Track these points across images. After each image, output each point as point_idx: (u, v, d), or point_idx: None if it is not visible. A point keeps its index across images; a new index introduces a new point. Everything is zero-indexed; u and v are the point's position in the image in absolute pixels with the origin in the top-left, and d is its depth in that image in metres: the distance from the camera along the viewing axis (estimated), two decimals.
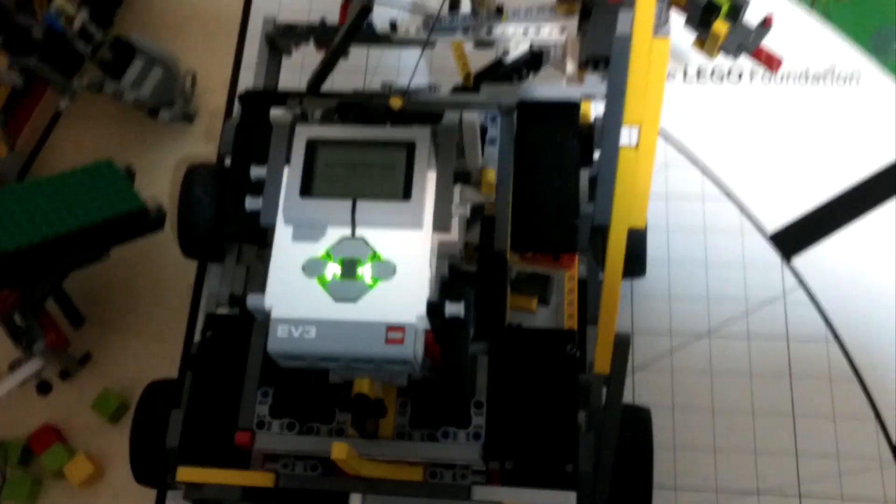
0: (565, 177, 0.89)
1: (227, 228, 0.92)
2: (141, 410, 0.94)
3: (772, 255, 1.10)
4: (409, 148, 0.76)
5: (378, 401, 0.78)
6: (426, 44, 1.06)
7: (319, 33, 1.08)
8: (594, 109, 0.95)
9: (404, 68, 1.21)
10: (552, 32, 1.05)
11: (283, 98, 0.88)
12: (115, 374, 1.09)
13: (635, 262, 1.00)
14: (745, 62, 1.18)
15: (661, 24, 0.95)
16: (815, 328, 1.06)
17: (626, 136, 0.77)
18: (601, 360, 0.81)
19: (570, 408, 0.83)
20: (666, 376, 1.04)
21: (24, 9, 1.12)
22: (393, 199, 0.75)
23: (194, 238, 1.03)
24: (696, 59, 1.20)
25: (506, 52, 1.09)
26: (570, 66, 1.03)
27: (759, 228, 1.11)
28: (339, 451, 0.75)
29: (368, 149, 0.77)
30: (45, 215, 0.97)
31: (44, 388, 1.09)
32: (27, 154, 1.17)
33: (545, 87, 0.96)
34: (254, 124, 0.93)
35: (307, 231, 0.76)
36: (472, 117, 0.80)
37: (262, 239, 0.84)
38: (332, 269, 0.75)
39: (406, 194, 0.75)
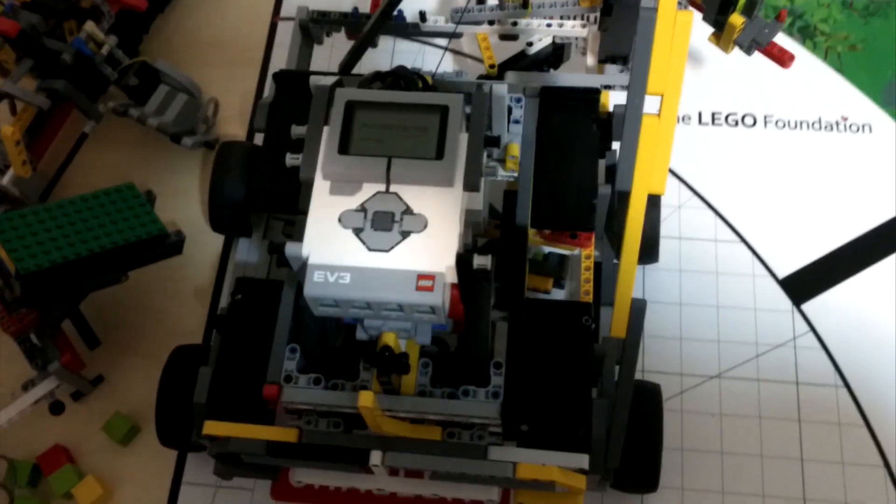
0: (584, 160, 0.95)
1: (260, 198, 0.97)
2: (168, 371, 0.97)
3: (783, 300, 1.10)
4: (443, 111, 0.80)
5: (402, 354, 0.82)
6: (453, 34, 1.13)
7: (351, 22, 1.14)
8: (613, 100, 0.99)
9: (427, 61, 1.24)
10: (575, 27, 1.11)
11: (304, 78, 0.92)
12: (127, 397, 1.09)
13: (649, 247, 1.04)
14: (758, 105, 1.22)
15: None
16: (824, 373, 1.06)
17: (650, 105, 0.79)
18: (617, 325, 0.85)
19: (584, 375, 0.86)
20: (675, 417, 1.04)
21: (55, 33, 1.14)
22: (426, 158, 0.79)
23: (225, 211, 1.07)
24: (711, 103, 1.23)
25: (530, 44, 1.13)
26: (591, 60, 1.11)
27: (771, 273, 1.12)
28: (365, 399, 0.77)
29: (404, 111, 0.81)
30: (67, 237, 0.98)
31: (56, 408, 1.09)
32: (50, 175, 1.18)
33: (567, 75, 1.02)
34: (286, 102, 0.98)
35: (344, 186, 0.80)
36: (502, 89, 0.87)
37: (293, 208, 0.88)
38: (367, 222, 0.79)
39: (439, 154, 0.79)
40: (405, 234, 0.78)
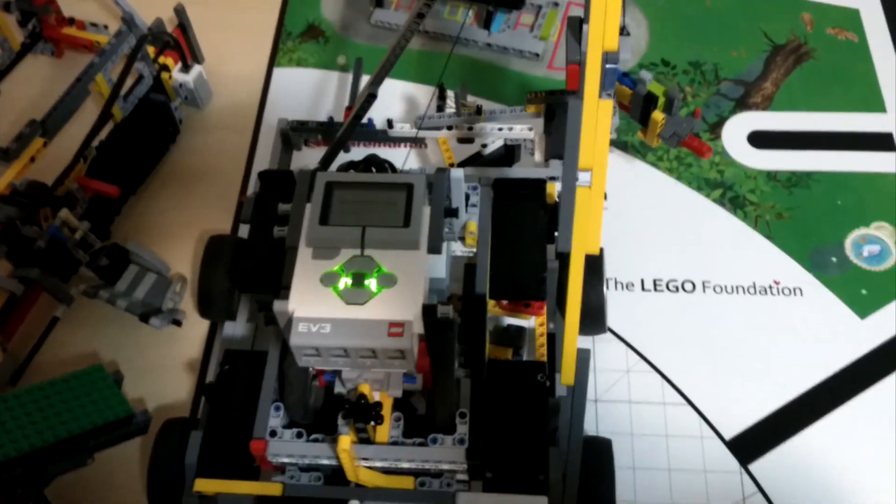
0: (534, 239, 1.10)
1: (247, 279, 1.08)
2: (159, 441, 1.06)
3: (731, 461, 1.15)
4: (409, 188, 0.95)
5: (377, 403, 0.92)
6: (416, 139, 1.31)
7: (326, 129, 1.30)
8: (558, 189, 1.08)
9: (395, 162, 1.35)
10: (523, 130, 1.30)
11: (294, 176, 1.06)
12: None
13: (597, 316, 1.16)
14: (697, 272, 1.30)
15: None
16: None
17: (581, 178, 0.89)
18: (567, 373, 0.96)
19: (541, 426, 0.97)
20: None
21: (30, 220, 1.20)
22: (395, 227, 0.93)
23: (212, 299, 1.18)
24: (652, 270, 1.31)
25: (484, 146, 1.32)
26: (539, 157, 1.29)
27: (718, 434, 1.17)
28: (343, 442, 0.89)
29: (375, 189, 0.96)
30: (35, 423, 1.01)
31: None
32: (21, 358, 1.21)
33: (517, 169, 1.24)
34: (269, 197, 1.11)
35: (324, 251, 0.93)
36: (459, 172, 1.02)
37: (276, 288, 0.99)
38: (344, 280, 0.91)
39: (406, 223, 0.93)
40: (378, 290, 0.89)
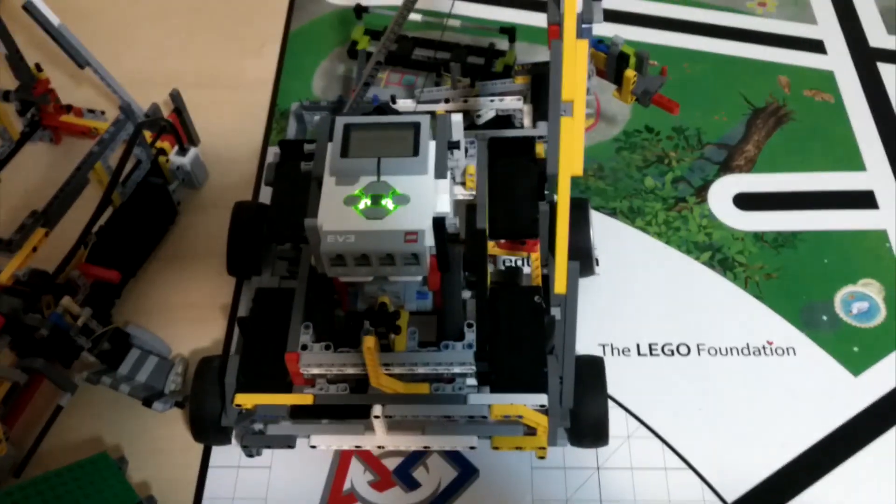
0: (526, 186, 1.24)
1: (275, 231, 1.20)
2: (198, 375, 1.19)
3: None
4: (416, 126, 1.07)
5: (396, 312, 1.07)
6: (416, 112, 1.41)
7: (336, 107, 1.47)
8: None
9: None
10: (513, 100, 1.45)
11: (311, 142, 1.17)
12: None
13: (584, 256, 1.30)
14: (691, 335, 1.32)
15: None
16: None
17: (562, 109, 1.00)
18: (559, 283, 1.01)
19: (539, 337, 1.11)
20: None
21: (32, 308, 1.21)
22: (406, 156, 1.05)
23: (240, 259, 1.34)
24: (647, 335, 1.33)
25: (478, 116, 1.45)
26: (528, 123, 1.43)
27: (721, 498, 1.18)
28: (368, 341, 1.01)
29: (387, 128, 1.09)
30: None
31: None
32: (25, 449, 1.22)
33: (509, 130, 1.38)
34: (288, 163, 1.25)
35: (346, 179, 1.05)
36: (458, 116, 1.12)
37: (302, 238, 1.08)
38: (364, 201, 1.03)
39: (415, 152, 1.05)
40: (394, 208, 1.02)
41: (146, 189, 1.43)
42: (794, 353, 1.30)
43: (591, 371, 1.16)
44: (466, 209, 1.22)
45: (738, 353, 1.31)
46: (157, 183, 1.45)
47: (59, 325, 1.20)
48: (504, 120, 1.47)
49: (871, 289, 1.37)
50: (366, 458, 1.23)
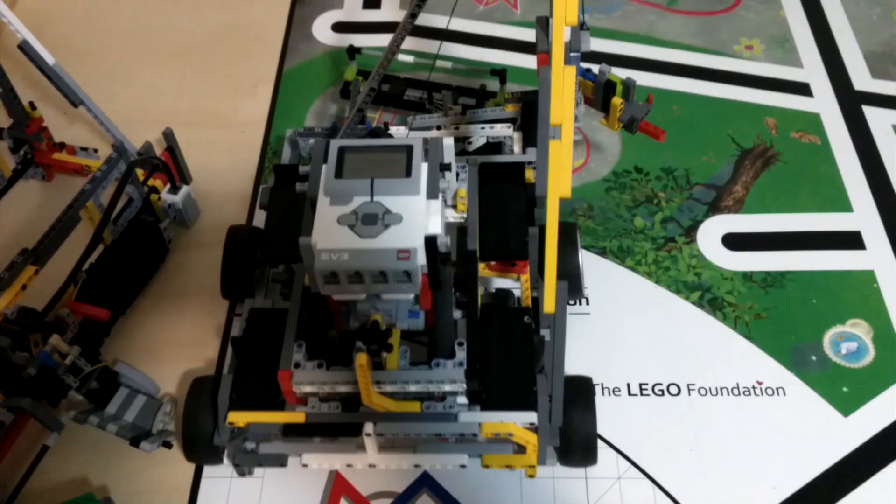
0: (516, 210, 1.27)
1: (270, 253, 1.24)
2: (191, 394, 1.20)
3: None
4: (409, 148, 1.09)
5: (388, 330, 1.08)
6: (408, 139, 1.47)
7: (330, 133, 1.51)
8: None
9: None
10: (503, 128, 1.50)
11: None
12: None
13: (573, 280, 1.32)
14: (681, 375, 1.32)
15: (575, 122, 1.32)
16: None
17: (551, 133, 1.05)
18: (548, 303, 1.05)
19: (528, 356, 1.14)
20: None
21: (20, 346, 1.21)
22: (399, 177, 1.07)
23: (234, 282, 1.37)
24: (637, 375, 1.33)
25: (469, 143, 1.49)
26: (518, 150, 1.49)
27: None
28: (361, 358, 1.03)
29: (380, 151, 1.11)
30: None
31: None
32: (10, 490, 1.20)
33: (499, 156, 1.43)
34: (282, 187, 1.29)
35: (340, 199, 1.07)
36: (449, 140, 1.15)
37: (295, 258, 1.14)
38: (358, 221, 1.05)
39: (408, 174, 1.07)
40: (386, 227, 1.03)
41: (137, 227, 1.43)
42: (784, 394, 1.30)
43: (581, 390, 1.17)
44: (457, 231, 1.25)
45: (728, 394, 1.31)
46: (148, 221, 1.45)
47: (46, 363, 1.19)
48: (494, 147, 1.51)
49: (859, 329, 1.37)
50: (356, 501, 1.22)
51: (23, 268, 1.25)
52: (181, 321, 1.42)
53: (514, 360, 1.13)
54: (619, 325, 1.39)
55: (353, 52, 1.71)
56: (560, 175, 1.00)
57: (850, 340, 1.36)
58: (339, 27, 1.95)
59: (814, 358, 1.34)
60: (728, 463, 1.24)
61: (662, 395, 1.31)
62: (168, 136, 1.49)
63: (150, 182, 1.47)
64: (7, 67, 1.48)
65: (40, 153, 1.57)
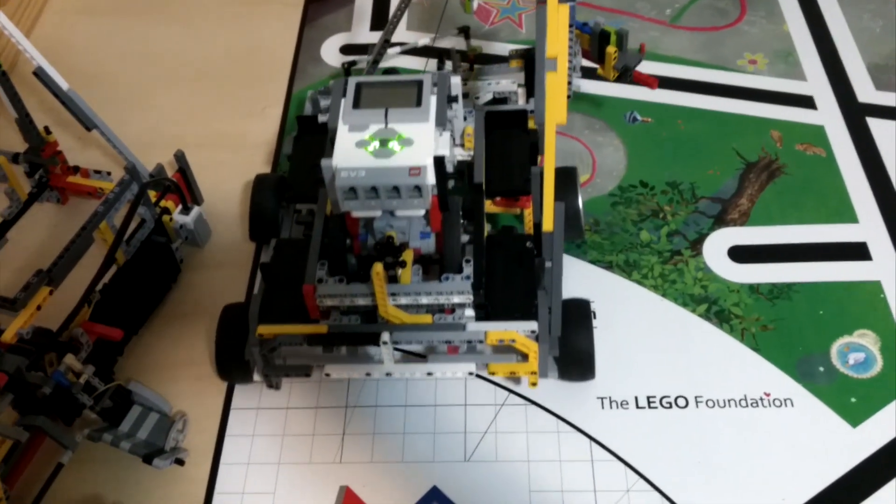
0: (520, 150, 1.39)
1: (296, 191, 1.45)
2: (223, 319, 1.34)
3: None
4: (419, 82, 1.24)
5: (401, 246, 1.21)
6: None
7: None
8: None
9: None
10: (508, 83, 1.62)
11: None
12: None
13: (573, 220, 1.44)
14: (688, 387, 1.33)
15: (573, 72, 1.55)
16: None
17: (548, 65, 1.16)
18: (547, 221, 1.20)
19: (529, 274, 1.24)
20: None
21: (35, 366, 1.23)
22: (410, 107, 1.21)
23: (262, 223, 1.53)
24: (645, 387, 1.33)
25: (477, 98, 1.60)
26: (522, 103, 1.59)
27: None
28: (377, 266, 1.13)
29: (394, 86, 1.25)
30: None
31: None
32: None
33: (504, 106, 1.55)
34: (305, 136, 1.50)
35: (357, 126, 1.20)
36: (456, 77, 1.30)
37: (316, 198, 1.34)
38: (374, 144, 1.17)
39: (419, 104, 1.21)
40: (400, 149, 1.15)
41: (150, 247, 1.46)
42: (792, 405, 1.31)
43: (579, 310, 1.28)
44: (466, 166, 1.37)
45: (735, 405, 1.31)
46: (160, 241, 1.47)
47: (61, 383, 1.21)
48: (500, 101, 1.61)
49: (866, 339, 1.37)
50: None
51: (38, 289, 1.28)
52: (193, 340, 1.44)
53: (517, 278, 1.25)
54: (626, 339, 1.39)
55: (348, 69, 1.73)
56: (557, 103, 1.09)
57: (858, 351, 1.36)
58: (347, 49, 1.98)
59: (821, 369, 1.34)
60: (736, 475, 1.24)
61: (670, 407, 1.31)
62: (180, 158, 1.52)
63: (163, 203, 1.49)
64: (23, 93, 1.51)
65: (55, 177, 1.60)
